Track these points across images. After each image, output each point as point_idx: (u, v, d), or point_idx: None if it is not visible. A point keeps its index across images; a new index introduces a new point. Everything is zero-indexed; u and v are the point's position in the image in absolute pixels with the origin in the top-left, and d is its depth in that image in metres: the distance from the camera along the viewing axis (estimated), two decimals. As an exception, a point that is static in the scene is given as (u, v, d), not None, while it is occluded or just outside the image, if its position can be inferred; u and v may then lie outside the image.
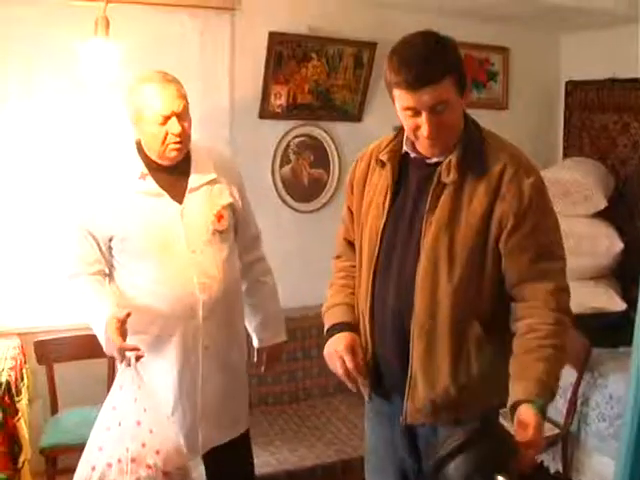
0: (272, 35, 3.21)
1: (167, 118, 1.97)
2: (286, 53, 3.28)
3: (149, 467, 1.87)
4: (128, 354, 1.88)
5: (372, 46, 3.42)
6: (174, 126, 1.97)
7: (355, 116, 3.53)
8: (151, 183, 2.05)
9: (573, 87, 4.08)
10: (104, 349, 1.99)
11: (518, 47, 3.97)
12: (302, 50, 3.31)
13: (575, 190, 3.49)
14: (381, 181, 1.69)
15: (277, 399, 3.21)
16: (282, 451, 2.84)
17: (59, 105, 2.90)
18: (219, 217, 2.10)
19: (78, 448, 2.58)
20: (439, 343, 1.59)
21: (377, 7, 3.39)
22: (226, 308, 2.13)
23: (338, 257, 1.90)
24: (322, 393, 3.31)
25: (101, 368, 2.92)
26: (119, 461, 1.85)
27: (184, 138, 2.01)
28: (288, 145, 3.43)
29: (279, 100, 3.33)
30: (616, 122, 3.86)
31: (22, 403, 2.53)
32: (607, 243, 3.43)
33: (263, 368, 2.36)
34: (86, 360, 2.87)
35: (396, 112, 1.58)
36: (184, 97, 2.00)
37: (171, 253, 2.04)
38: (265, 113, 3.33)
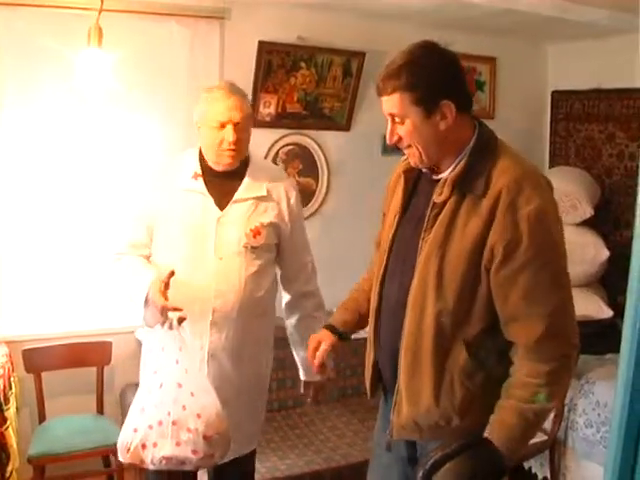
0: (262, 44, 3.23)
1: (223, 125, 2.07)
2: (275, 62, 3.30)
3: (190, 431, 1.87)
4: (170, 315, 1.92)
5: (361, 56, 3.44)
6: (229, 133, 2.06)
7: (344, 125, 3.56)
8: (201, 184, 2.14)
9: (559, 97, 4.13)
10: (144, 318, 2.05)
11: (505, 57, 4.02)
12: (291, 59, 3.33)
13: (562, 199, 3.51)
14: (399, 191, 1.71)
15: (267, 407, 3.20)
16: (271, 459, 2.85)
17: (55, 114, 2.90)
18: (255, 233, 2.13)
19: (66, 457, 2.62)
20: (422, 364, 1.58)
21: (366, 18, 3.42)
22: (241, 323, 2.13)
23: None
24: (298, 402, 3.28)
25: (89, 376, 2.93)
26: (159, 423, 1.86)
27: (239, 147, 2.09)
28: (277, 153, 3.45)
29: (268, 109, 3.35)
30: (601, 132, 3.90)
31: (10, 412, 2.52)
32: (593, 251, 3.46)
33: (309, 401, 2.37)
34: (74, 369, 2.88)
35: (385, 121, 1.61)
36: (245, 110, 2.10)
37: (199, 254, 2.10)
38: (254, 121, 3.31)
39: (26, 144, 2.89)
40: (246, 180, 2.16)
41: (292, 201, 2.23)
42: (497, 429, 1.50)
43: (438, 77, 1.52)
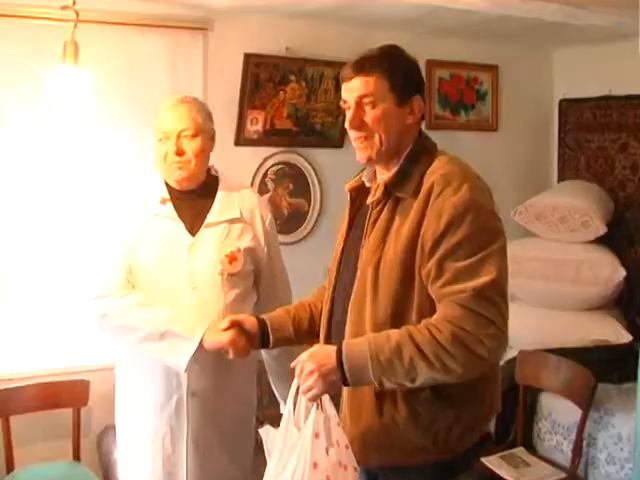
0: (248, 56, 3.23)
1: (168, 135, 2.07)
2: (263, 75, 3.30)
3: None
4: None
5: None
6: (171, 144, 2.06)
7: (337, 142, 3.55)
8: (169, 208, 2.13)
9: (567, 105, 4.12)
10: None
11: (508, 64, 4.02)
12: (280, 72, 3.33)
13: (572, 216, 3.51)
14: (346, 210, 1.83)
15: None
16: None
17: (27, 134, 2.86)
18: (231, 258, 2.11)
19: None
20: None
21: (358, 26, 3.43)
22: (222, 358, 2.05)
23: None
24: (276, 422, 3.28)
25: (64, 419, 2.85)
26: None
27: (187, 159, 2.08)
28: (266, 173, 3.44)
29: (256, 125, 3.34)
30: (614, 142, 3.89)
31: (-24, 460, 2.45)
32: (608, 271, 3.43)
33: None
34: (47, 411, 2.80)
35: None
36: (195, 119, 2.09)
37: (171, 284, 2.08)
38: (241, 140, 3.34)
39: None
40: (217, 201, 2.16)
41: (267, 223, 2.23)
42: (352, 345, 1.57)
43: (413, 72, 1.69)
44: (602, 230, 3.46)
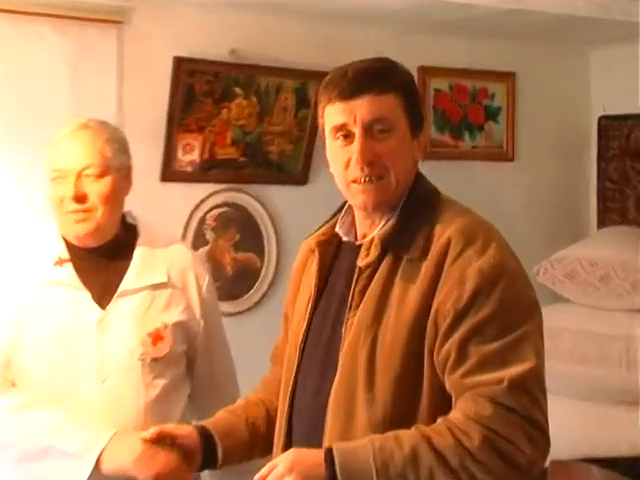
0: (179, 61, 3.31)
1: (65, 175, 2.08)
2: (199, 87, 3.38)
3: None
4: None
5: (321, 77, 3.44)
6: (70, 187, 2.07)
7: (298, 177, 3.65)
8: (69, 272, 2.14)
9: (609, 124, 4.25)
10: None
11: (527, 71, 4.15)
12: (222, 83, 3.42)
13: (618, 274, 3.62)
14: (311, 273, 1.88)
15: None
16: None
17: None
18: (156, 338, 2.15)
19: None
20: None
21: (327, 22, 3.53)
22: None
23: (269, 374, 2.09)
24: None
25: None
26: None
27: (93, 207, 2.09)
28: (204, 219, 3.51)
29: (190, 154, 3.45)
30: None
31: None
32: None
33: None
34: None
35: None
36: (104, 152, 2.11)
37: (72, 376, 2.09)
38: (169, 174, 3.42)
39: None
40: (136, 260, 2.19)
41: (204, 289, 2.28)
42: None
43: (418, 94, 1.82)
44: (659, 295, 3.53)
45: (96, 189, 2.09)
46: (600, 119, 4.32)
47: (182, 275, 2.26)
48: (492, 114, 4.13)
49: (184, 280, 2.25)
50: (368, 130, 1.71)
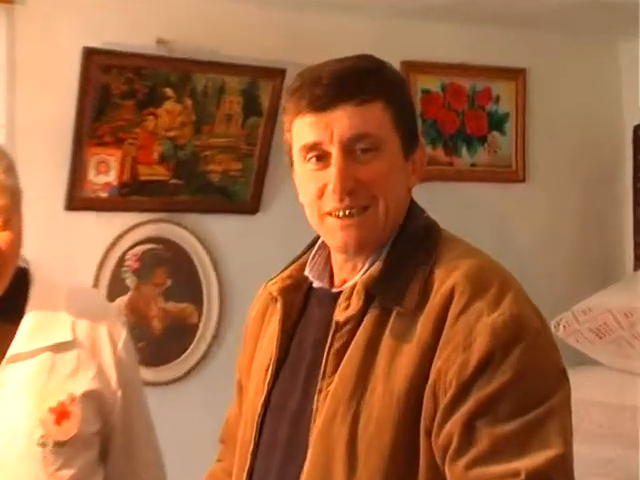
0: (90, 53, 3.31)
1: None
2: (117, 87, 3.40)
3: None
4: None
5: (276, 75, 3.55)
6: None
7: (247, 204, 3.68)
8: None
9: None
10: None
11: (542, 67, 4.19)
12: (147, 82, 3.44)
13: None
14: (270, 330, 1.88)
15: None
16: None
17: None
18: (60, 414, 2.14)
19: None
20: None
21: (284, 6, 3.56)
22: None
23: (219, 460, 2.09)
24: None
25: None
26: None
27: None
28: (123, 259, 3.52)
29: (105, 175, 3.45)
30: None
31: None
32: None
33: None
34: None
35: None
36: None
37: None
38: (77, 200, 3.40)
39: None
40: (31, 314, 2.19)
41: (121, 347, 2.29)
42: None
43: (412, 103, 1.81)
44: None
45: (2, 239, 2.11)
46: (636, 129, 4.35)
47: (92, 332, 2.25)
48: (497, 122, 4.16)
49: (95, 338, 2.25)
50: (348, 150, 1.70)
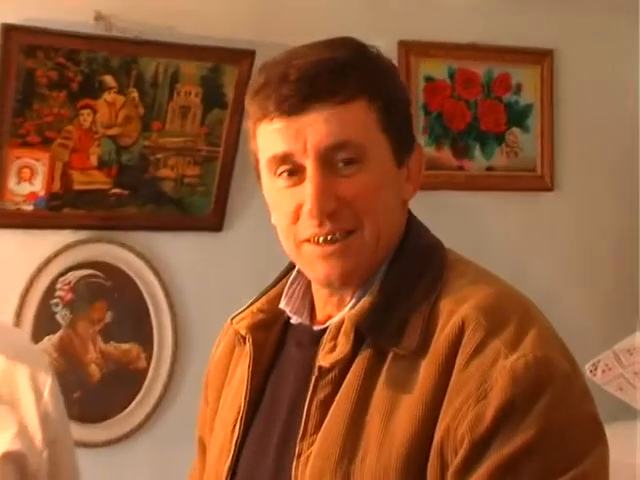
0: (8, 31, 3.34)
1: None
2: (44, 74, 3.41)
3: None
4: None
5: (243, 58, 3.56)
6: None
7: (208, 219, 3.72)
8: None
9: None
10: None
11: (573, 48, 4.21)
12: (83, 68, 3.43)
13: None
14: (238, 377, 1.89)
15: None
16: None
17: None
18: None
19: None
20: None
21: None
22: None
23: None
24: None
25: None
26: None
27: None
28: (52, 288, 3.55)
29: (28, 183, 3.45)
30: None
31: None
32: None
33: None
34: None
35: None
36: None
37: None
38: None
39: None
40: None
41: (47, 399, 2.29)
42: None
43: (406, 97, 1.83)
44: None
45: None
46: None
47: (11, 381, 2.27)
48: (518, 116, 4.16)
49: (14, 389, 2.27)
50: (326, 162, 1.69)
